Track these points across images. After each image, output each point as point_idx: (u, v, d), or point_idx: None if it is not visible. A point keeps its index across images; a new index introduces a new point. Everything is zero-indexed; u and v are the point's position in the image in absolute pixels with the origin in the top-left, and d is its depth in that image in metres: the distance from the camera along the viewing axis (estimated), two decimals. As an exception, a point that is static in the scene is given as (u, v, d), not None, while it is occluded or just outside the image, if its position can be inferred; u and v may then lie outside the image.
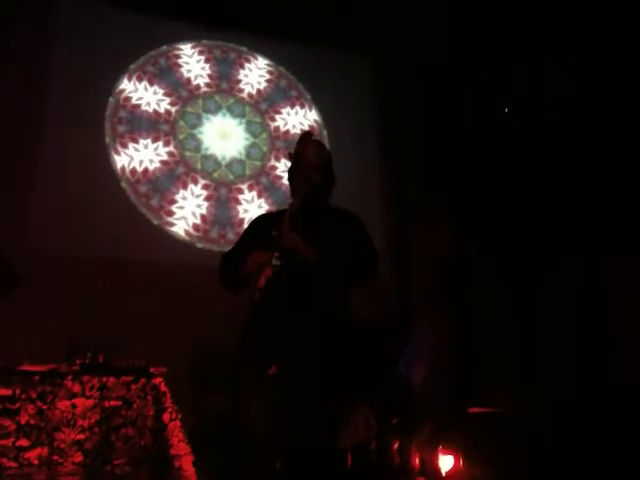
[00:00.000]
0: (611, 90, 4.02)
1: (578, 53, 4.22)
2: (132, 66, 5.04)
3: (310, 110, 5.56)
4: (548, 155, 4.50)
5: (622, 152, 3.93)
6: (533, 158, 4.63)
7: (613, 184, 3.97)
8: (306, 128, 5.36)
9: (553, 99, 4.46)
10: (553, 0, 4.37)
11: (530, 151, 4.65)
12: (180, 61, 5.24)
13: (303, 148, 2.32)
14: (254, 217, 2.51)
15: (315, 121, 5.53)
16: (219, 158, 5.07)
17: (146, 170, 4.78)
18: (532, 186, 4.61)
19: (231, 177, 5.05)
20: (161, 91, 5.07)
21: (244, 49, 5.53)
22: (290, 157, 2.36)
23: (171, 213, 4.75)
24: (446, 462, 3.34)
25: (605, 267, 3.96)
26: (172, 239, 4.68)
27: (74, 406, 2.50)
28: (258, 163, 5.19)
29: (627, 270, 3.77)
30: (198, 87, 5.23)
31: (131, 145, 4.81)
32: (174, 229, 4.71)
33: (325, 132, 5.45)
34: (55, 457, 2.43)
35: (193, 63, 5.28)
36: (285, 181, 2.43)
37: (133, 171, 4.74)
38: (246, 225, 2.53)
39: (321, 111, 5.57)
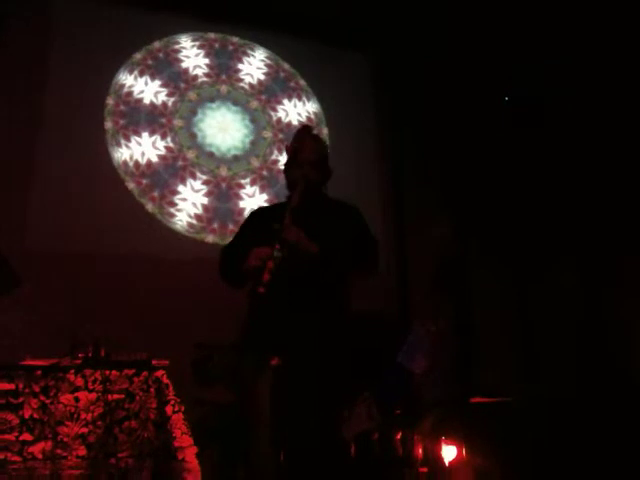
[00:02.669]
0: (611, 89, 4.02)
1: (578, 52, 4.22)
2: (132, 59, 5.01)
3: (309, 101, 5.54)
4: (548, 154, 4.50)
5: (622, 151, 3.93)
6: (533, 157, 4.63)
7: (613, 183, 3.97)
8: (305, 121, 5.35)
9: (553, 99, 4.45)
10: (553, 0, 4.36)
11: (530, 150, 4.65)
12: (180, 55, 5.21)
13: (301, 143, 2.33)
14: (252, 210, 2.53)
15: (315, 114, 5.50)
16: (218, 152, 5.05)
17: (148, 164, 4.77)
18: (532, 185, 4.61)
19: (230, 171, 5.04)
20: (160, 83, 5.04)
21: (242, 42, 5.50)
22: (287, 150, 2.36)
23: (173, 204, 4.74)
24: (449, 452, 3.34)
25: (605, 265, 3.97)
26: (174, 233, 4.67)
27: (77, 400, 2.51)
28: (260, 159, 5.19)
29: (627, 269, 3.77)
30: (196, 78, 5.20)
31: (133, 138, 4.80)
32: (175, 220, 4.71)
33: (325, 131, 5.43)
34: (59, 451, 2.44)
35: (192, 56, 5.26)
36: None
37: (136, 165, 4.73)
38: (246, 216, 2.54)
39: (321, 109, 5.54)
